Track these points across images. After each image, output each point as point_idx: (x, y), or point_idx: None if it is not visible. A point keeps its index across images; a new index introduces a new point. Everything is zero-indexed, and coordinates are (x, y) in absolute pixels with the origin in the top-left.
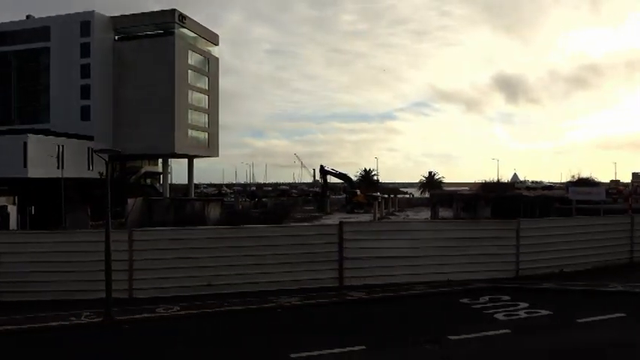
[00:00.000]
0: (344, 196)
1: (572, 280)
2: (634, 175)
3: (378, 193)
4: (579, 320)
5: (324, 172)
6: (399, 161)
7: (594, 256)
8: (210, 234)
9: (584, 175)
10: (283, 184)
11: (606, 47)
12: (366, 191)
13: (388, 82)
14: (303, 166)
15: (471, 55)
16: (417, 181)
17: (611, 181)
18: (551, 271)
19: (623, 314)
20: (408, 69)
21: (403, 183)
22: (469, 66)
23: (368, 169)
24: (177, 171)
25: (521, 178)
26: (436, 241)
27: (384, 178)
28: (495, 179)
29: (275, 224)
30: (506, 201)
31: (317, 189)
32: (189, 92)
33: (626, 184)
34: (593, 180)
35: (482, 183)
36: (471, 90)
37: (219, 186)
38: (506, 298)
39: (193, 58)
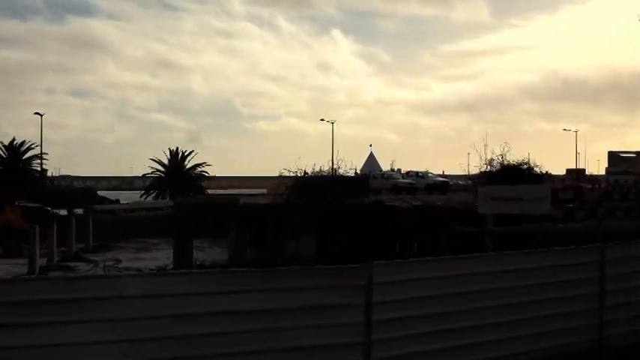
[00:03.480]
0: None
1: None
2: (611, 156)
3: (50, 208)
4: None
5: None
6: (97, 125)
7: (530, 341)
8: None
9: (517, 156)
10: None
11: None
12: (10, 202)
13: None
14: None
15: None
16: (143, 173)
17: (569, 171)
18: None
19: None
20: None
21: (110, 178)
22: None
23: (16, 144)
24: None
25: (385, 167)
26: (183, 324)
27: (58, 165)
28: (325, 168)
29: None
30: (348, 219)
31: None
32: None
33: (595, 178)
34: (531, 169)
35: (295, 177)
36: None
37: None
38: None
39: None
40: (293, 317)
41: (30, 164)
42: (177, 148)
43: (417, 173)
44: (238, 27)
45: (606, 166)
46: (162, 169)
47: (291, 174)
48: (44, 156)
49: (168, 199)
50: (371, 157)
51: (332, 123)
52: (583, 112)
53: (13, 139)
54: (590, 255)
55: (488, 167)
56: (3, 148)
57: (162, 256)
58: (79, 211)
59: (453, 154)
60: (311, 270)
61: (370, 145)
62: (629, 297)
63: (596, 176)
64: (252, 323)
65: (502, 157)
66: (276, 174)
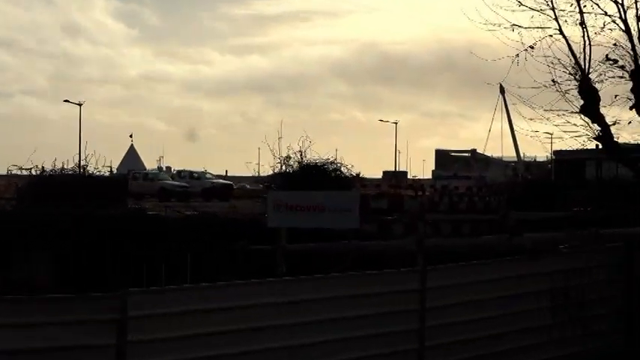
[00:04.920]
0: None
1: None
2: (440, 155)
3: None
4: None
5: None
6: None
7: None
8: None
9: (321, 153)
10: None
11: None
12: None
13: None
14: None
15: None
16: None
17: (386, 174)
18: None
19: None
20: None
21: None
22: None
23: None
24: None
25: (151, 165)
26: None
27: None
28: (70, 165)
29: None
30: (98, 234)
31: None
32: None
33: (418, 182)
34: (339, 169)
35: (29, 177)
36: None
37: None
38: None
39: None
40: None
41: None
42: None
43: (191, 173)
44: None
45: (433, 168)
46: None
47: (24, 172)
48: None
49: None
50: (131, 151)
51: (80, 105)
52: (407, 98)
53: None
54: (408, 281)
55: (284, 167)
56: None
57: None
58: None
59: (239, 150)
60: (45, 300)
61: (130, 136)
62: (455, 336)
63: (420, 180)
64: None
65: (302, 154)
66: (4, 172)
